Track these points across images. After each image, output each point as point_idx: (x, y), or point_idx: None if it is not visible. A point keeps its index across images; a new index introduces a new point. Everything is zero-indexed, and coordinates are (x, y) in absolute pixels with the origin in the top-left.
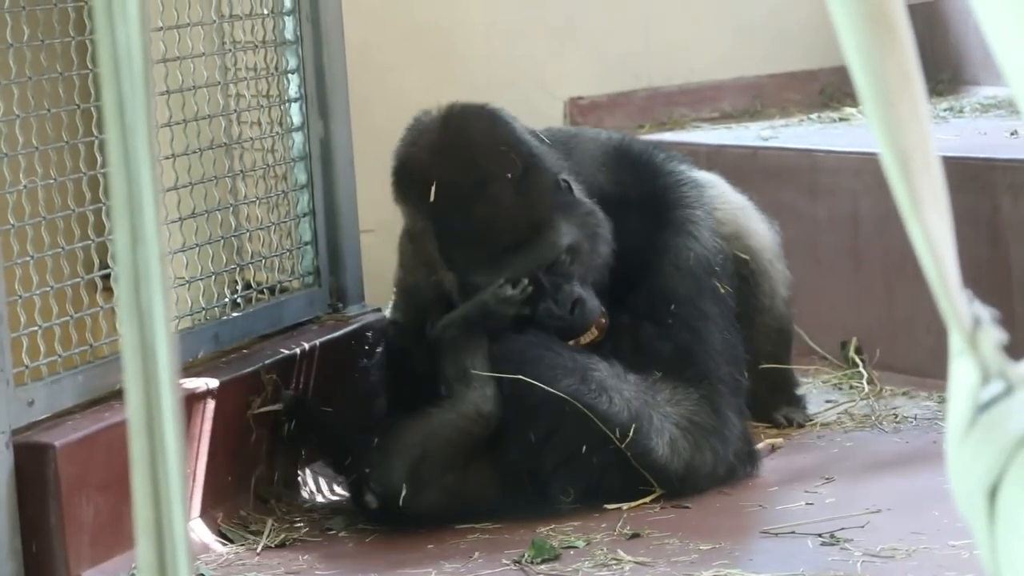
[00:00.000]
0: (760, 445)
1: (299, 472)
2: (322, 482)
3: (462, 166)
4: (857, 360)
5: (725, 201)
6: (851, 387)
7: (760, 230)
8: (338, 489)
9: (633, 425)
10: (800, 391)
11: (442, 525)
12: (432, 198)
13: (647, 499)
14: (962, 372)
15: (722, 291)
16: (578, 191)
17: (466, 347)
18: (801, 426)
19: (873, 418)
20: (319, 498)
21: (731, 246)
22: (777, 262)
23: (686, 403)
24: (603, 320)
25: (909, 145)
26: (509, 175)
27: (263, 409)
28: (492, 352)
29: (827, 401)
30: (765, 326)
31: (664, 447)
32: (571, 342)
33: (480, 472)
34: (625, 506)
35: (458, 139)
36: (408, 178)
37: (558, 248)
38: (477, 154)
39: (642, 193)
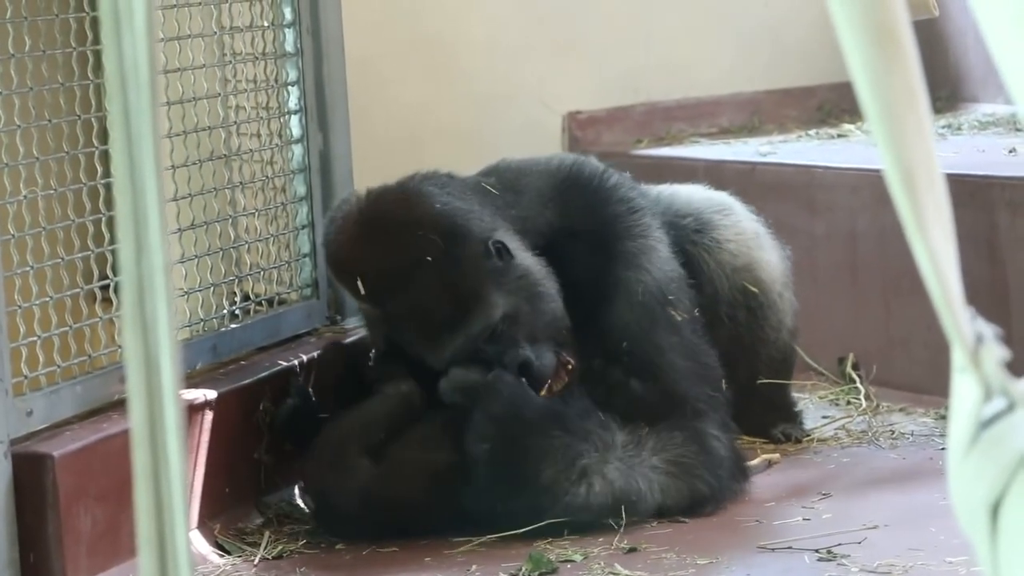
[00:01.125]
0: (756, 461)
1: (297, 484)
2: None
3: (382, 257)
4: (854, 376)
5: (739, 232)
6: (848, 403)
7: (771, 260)
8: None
9: (621, 506)
10: (797, 407)
11: (380, 531)
12: (361, 291)
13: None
14: (964, 389)
15: (679, 319)
16: (517, 247)
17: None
18: (798, 441)
19: (870, 434)
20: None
21: (741, 278)
22: (786, 292)
23: (671, 447)
24: (569, 366)
25: (914, 161)
26: (430, 258)
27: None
28: (475, 420)
29: (824, 417)
30: (769, 357)
31: (654, 497)
32: (542, 392)
33: (410, 465)
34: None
35: (375, 231)
36: (336, 269)
37: (492, 320)
38: (396, 243)
39: (590, 225)
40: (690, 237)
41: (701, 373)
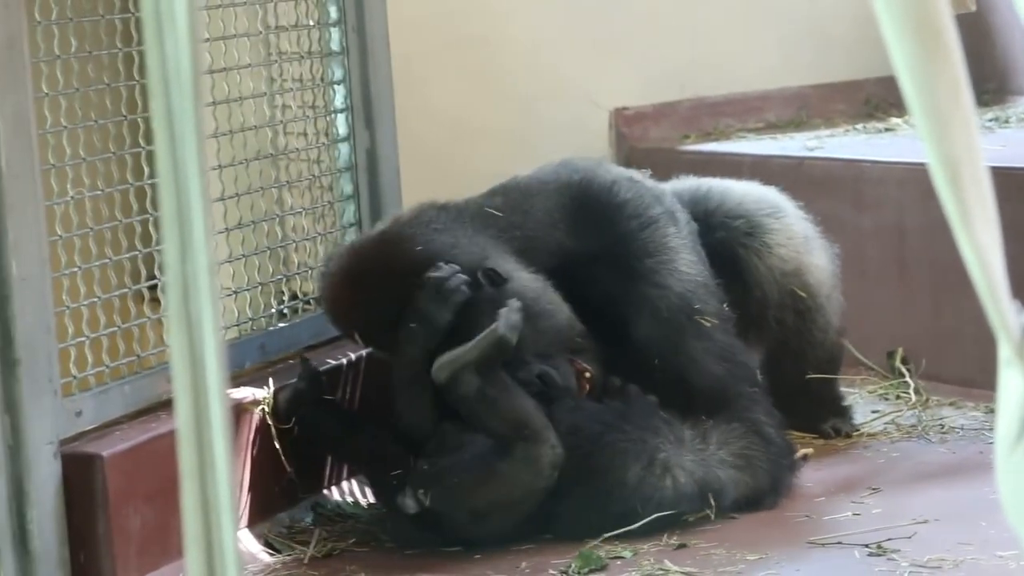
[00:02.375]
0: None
1: (347, 481)
2: (369, 492)
3: (370, 311)
4: (903, 370)
5: (790, 236)
6: (897, 397)
7: (820, 263)
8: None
9: (707, 496)
10: (846, 402)
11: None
12: (359, 342)
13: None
14: (1011, 382)
15: (707, 325)
16: (512, 269)
17: (501, 397)
18: (848, 436)
19: (920, 428)
20: (366, 507)
21: (790, 282)
22: (834, 293)
23: (734, 439)
24: (587, 374)
25: (958, 156)
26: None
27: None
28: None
29: (873, 411)
30: (816, 358)
31: (732, 488)
32: None
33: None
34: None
35: (360, 287)
36: (334, 325)
37: None
38: (380, 296)
39: (604, 245)
40: (740, 240)
41: (738, 372)
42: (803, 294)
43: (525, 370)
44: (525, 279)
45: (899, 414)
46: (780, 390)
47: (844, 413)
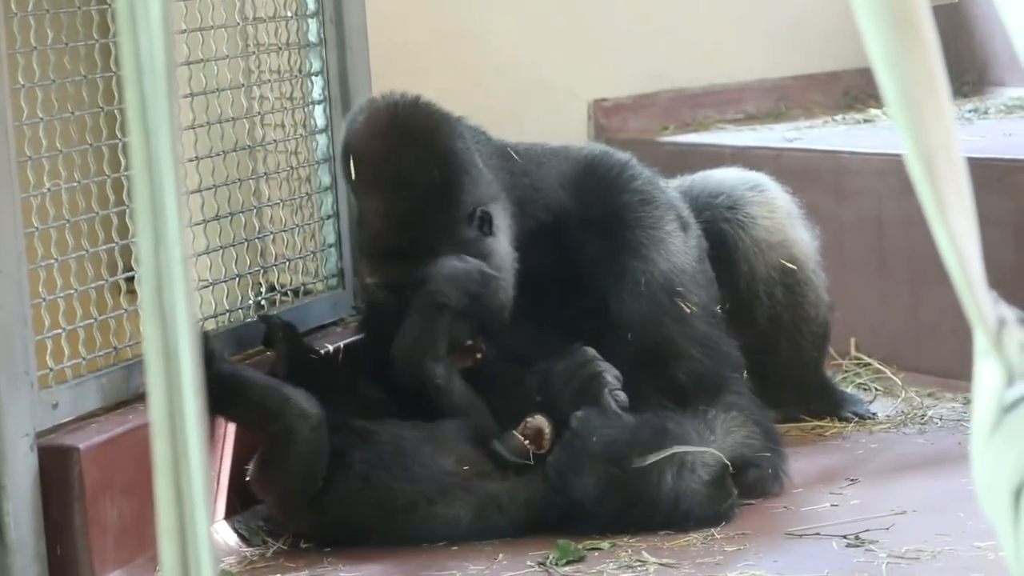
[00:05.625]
0: None
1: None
2: None
3: (385, 158)
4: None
5: (773, 209)
6: (876, 389)
7: (804, 238)
8: None
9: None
10: (831, 381)
11: None
12: (353, 176)
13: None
14: (987, 373)
15: (687, 310)
16: (502, 227)
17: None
18: (868, 418)
19: (900, 419)
20: None
21: (777, 254)
22: (819, 270)
23: (736, 429)
24: (478, 354)
25: (934, 146)
26: (420, 186)
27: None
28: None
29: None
30: (811, 334)
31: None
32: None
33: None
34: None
35: (395, 131)
36: (344, 149)
37: (435, 282)
38: (403, 154)
39: (601, 212)
40: (723, 215)
41: (720, 360)
42: (792, 266)
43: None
44: (504, 245)
45: (872, 402)
46: (777, 371)
47: (841, 396)
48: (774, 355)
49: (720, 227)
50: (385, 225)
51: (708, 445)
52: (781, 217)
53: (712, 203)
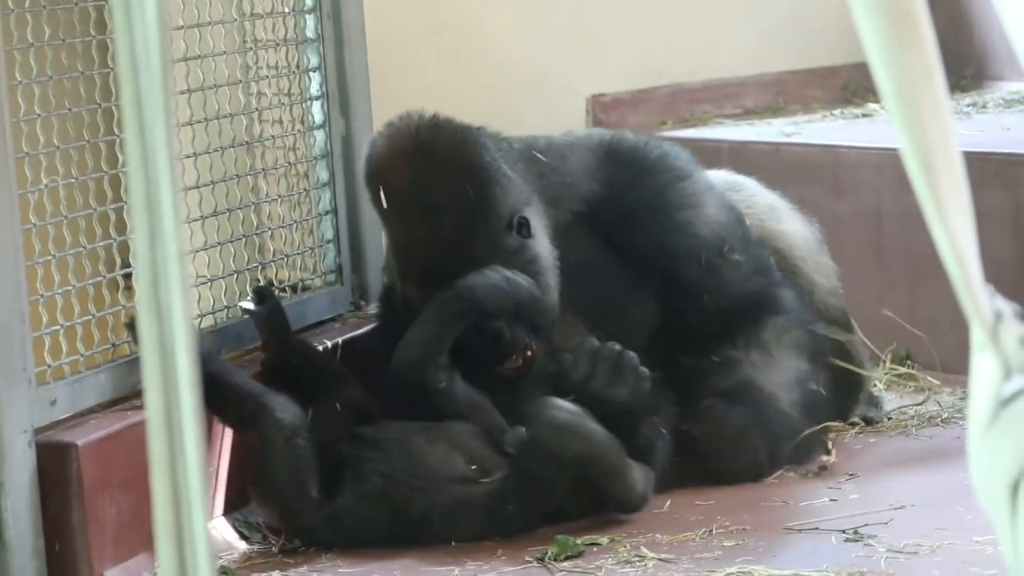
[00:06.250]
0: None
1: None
2: None
3: (415, 181)
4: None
5: (750, 205)
6: (874, 384)
7: (790, 228)
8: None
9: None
10: (871, 384)
11: None
12: (384, 205)
13: None
14: (984, 367)
15: (736, 259)
16: (539, 227)
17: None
18: (878, 422)
19: (899, 414)
20: None
21: None
22: (813, 256)
23: (793, 331)
24: (529, 352)
25: (931, 141)
26: (456, 203)
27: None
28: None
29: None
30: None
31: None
32: (499, 368)
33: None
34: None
35: (422, 155)
36: (370, 172)
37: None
38: (433, 174)
39: (640, 195)
40: None
41: (769, 285)
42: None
43: (487, 324)
44: (544, 247)
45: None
46: None
47: (869, 399)
48: None
49: None
50: (429, 252)
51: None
52: (760, 212)
53: None
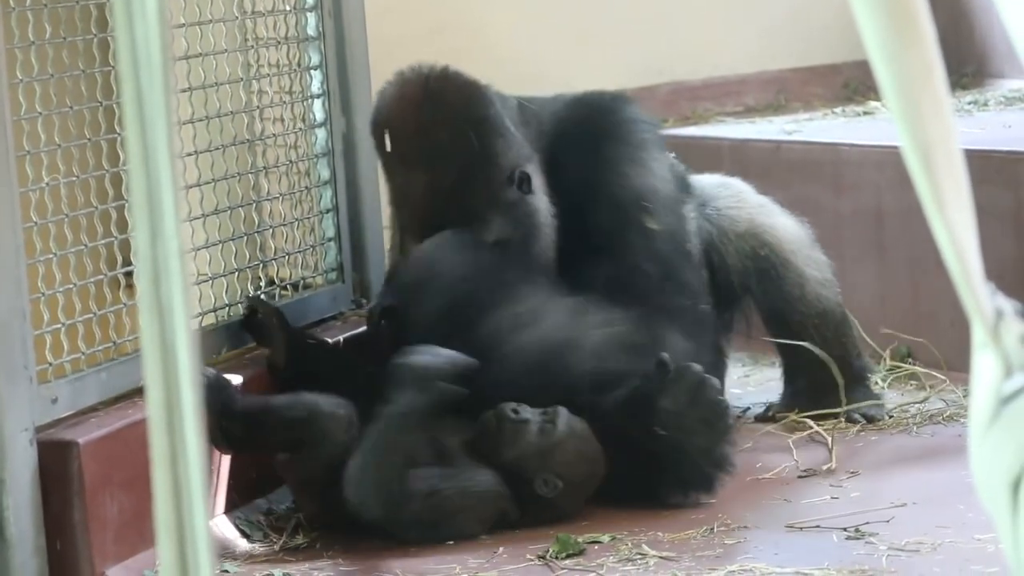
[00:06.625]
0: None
1: None
2: None
3: (421, 126)
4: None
5: (740, 201)
6: (876, 382)
7: (779, 224)
8: None
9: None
10: (869, 374)
11: None
12: (389, 149)
13: None
14: (985, 365)
15: (652, 226)
16: (539, 185)
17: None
18: (878, 420)
19: (899, 412)
20: None
21: (747, 243)
22: (803, 250)
23: (619, 326)
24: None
25: (931, 139)
26: (460, 157)
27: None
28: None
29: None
30: (802, 314)
31: (597, 356)
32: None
33: None
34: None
35: (429, 102)
36: (377, 116)
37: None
38: (439, 121)
39: (592, 131)
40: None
41: (673, 285)
42: (763, 252)
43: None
44: (543, 202)
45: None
46: (798, 371)
47: (870, 394)
48: (784, 353)
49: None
50: (431, 198)
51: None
52: (750, 208)
53: (687, 202)
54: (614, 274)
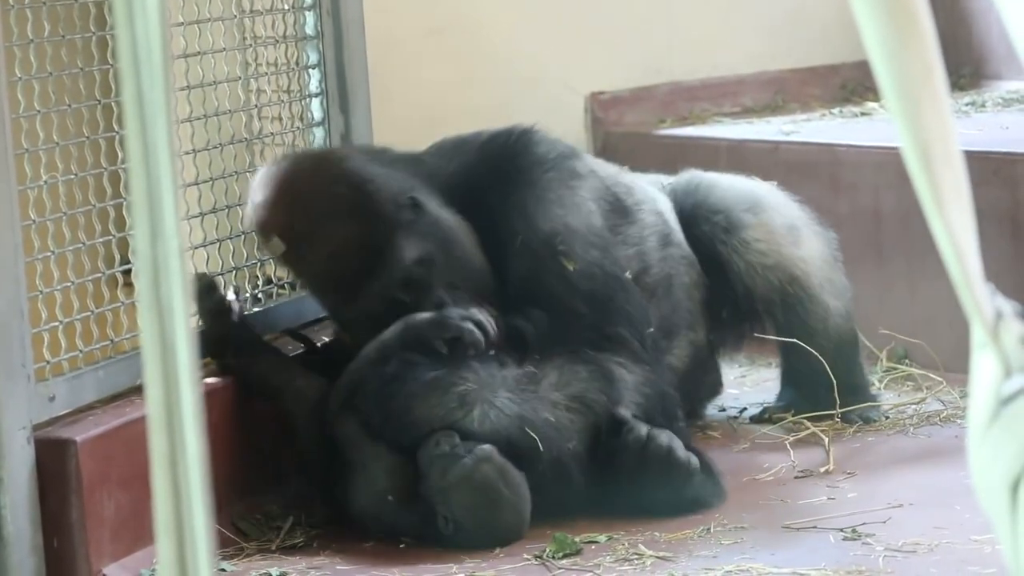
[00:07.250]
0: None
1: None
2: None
3: (294, 215)
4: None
5: (769, 231)
6: (874, 383)
7: (806, 253)
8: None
9: (524, 437)
10: (871, 387)
11: None
12: (281, 250)
13: None
14: (984, 366)
15: (570, 267)
16: (433, 204)
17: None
18: (876, 421)
19: (897, 413)
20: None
21: (775, 276)
22: (830, 280)
23: (575, 382)
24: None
25: (930, 138)
26: (341, 211)
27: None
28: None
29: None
30: (821, 346)
31: (561, 433)
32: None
33: None
34: None
35: (289, 191)
36: (257, 231)
37: (404, 263)
38: (307, 200)
39: (500, 177)
40: (720, 236)
41: (608, 316)
42: (791, 289)
43: (427, 299)
44: (444, 213)
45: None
46: (800, 379)
47: (868, 397)
48: (786, 360)
49: (717, 248)
50: (340, 265)
51: (511, 392)
52: (779, 238)
53: (711, 219)
54: (545, 323)
